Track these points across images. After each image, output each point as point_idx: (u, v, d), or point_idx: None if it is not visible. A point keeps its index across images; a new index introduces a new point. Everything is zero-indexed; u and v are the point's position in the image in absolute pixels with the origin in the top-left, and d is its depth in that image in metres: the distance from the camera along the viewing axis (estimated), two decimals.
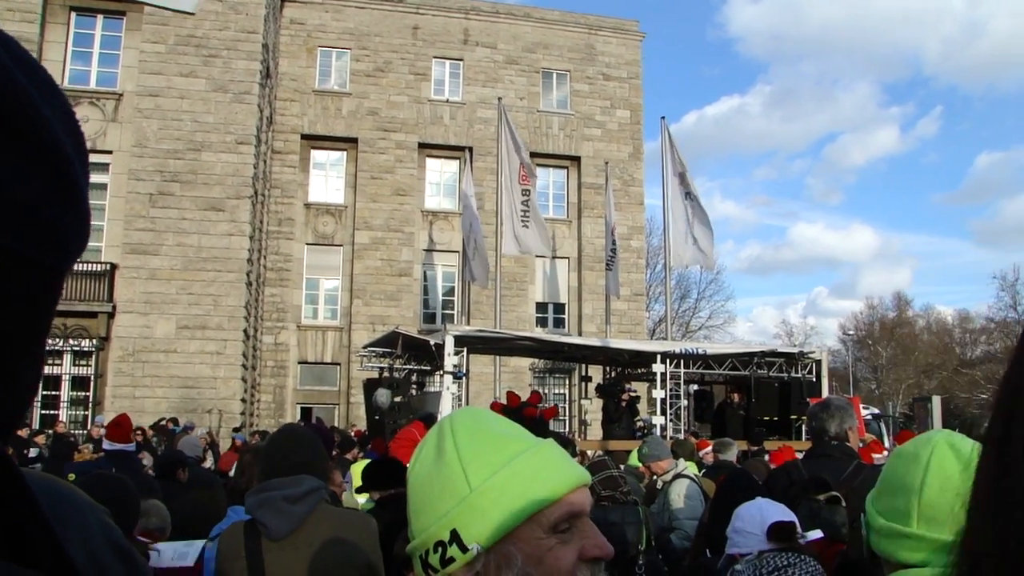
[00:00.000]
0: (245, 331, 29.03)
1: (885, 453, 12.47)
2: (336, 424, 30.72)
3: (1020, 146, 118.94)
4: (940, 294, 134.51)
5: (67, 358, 27.38)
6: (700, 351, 21.16)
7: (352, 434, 22.34)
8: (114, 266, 27.80)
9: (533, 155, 30.18)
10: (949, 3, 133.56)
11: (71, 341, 26.89)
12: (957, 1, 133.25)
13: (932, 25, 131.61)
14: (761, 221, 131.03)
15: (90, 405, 26.88)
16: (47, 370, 25.93)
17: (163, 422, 23.03)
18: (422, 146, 37.96)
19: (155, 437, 20.00)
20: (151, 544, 4.49)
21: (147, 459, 12.01)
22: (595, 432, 24.71)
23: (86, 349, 27.42)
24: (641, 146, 40.95)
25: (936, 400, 31.82)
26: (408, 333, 23.01)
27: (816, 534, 3.79)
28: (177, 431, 20.04)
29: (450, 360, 18.63)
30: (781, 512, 3.64)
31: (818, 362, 21.58)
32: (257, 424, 30.12)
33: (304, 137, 36.78)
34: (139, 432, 18.94)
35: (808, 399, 18.77)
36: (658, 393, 19.90)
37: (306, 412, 34.21)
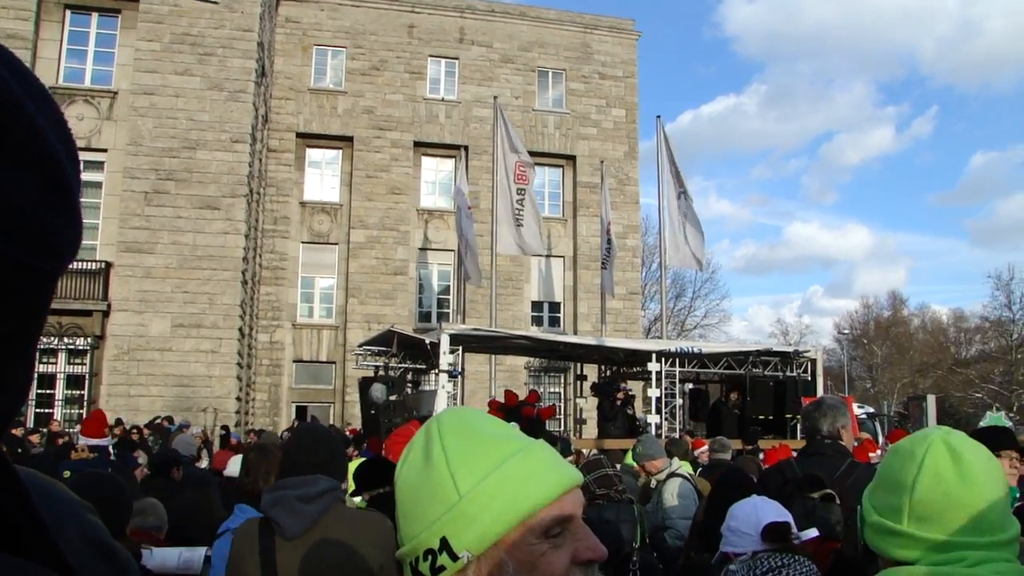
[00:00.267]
0: (240, 329, 29.00)
1: (879, 452, 12.50)
2: (332, 423, 30.76)
3: (1015, 146, 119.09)
4: (935, 293, 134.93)
5: (62, 356, 27.36)
6: (695, 350, 21.16)
7: (347, 432, 22.40)
8: (109, 264, 27.76)
9: (529, 154, 30.11)
10: (944, 2, 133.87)
11: (66, 339, 26.85)
12: (952, 1, 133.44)
13: (927, 24, 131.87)
14: (756, 220, 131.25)
15: (85, 403, 26.83)
16: (42, 368, 25.93)
17: (158, 421, 22.99)
18: (417, 145, 37.95)
19: (151, 436, 19.93)
20: (144, 544, 4.48)
21: (142, 458, 12.01)
22: (590, 431, 24.71)
23: (81, 347, 27.38)
24: (636, 145, 40.98)
25: (931, 399, 31.94)
26: (403, 332, 22.99)
27: (811, 533, 3.79)
28: (172, 429, 20.00)
29: (445, 359, 18.62)
30: (776, 512, 3.63)
31: (813, 361, 21.58)
32: (252, 423, 30.11)
33: (299, 135, 36.76)
34: (135, 431, 18.94)
35: (803, 398, 18.81)
36: (653, 392, 19.89)
37: (301, 411, 34.24)
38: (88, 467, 7.70)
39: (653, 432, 17.87)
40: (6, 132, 0.67)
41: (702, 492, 7.86)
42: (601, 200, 31.37)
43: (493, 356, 28.39)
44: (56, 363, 27.19)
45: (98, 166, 28.26)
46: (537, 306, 39.01)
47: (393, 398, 19.85)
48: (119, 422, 21.78)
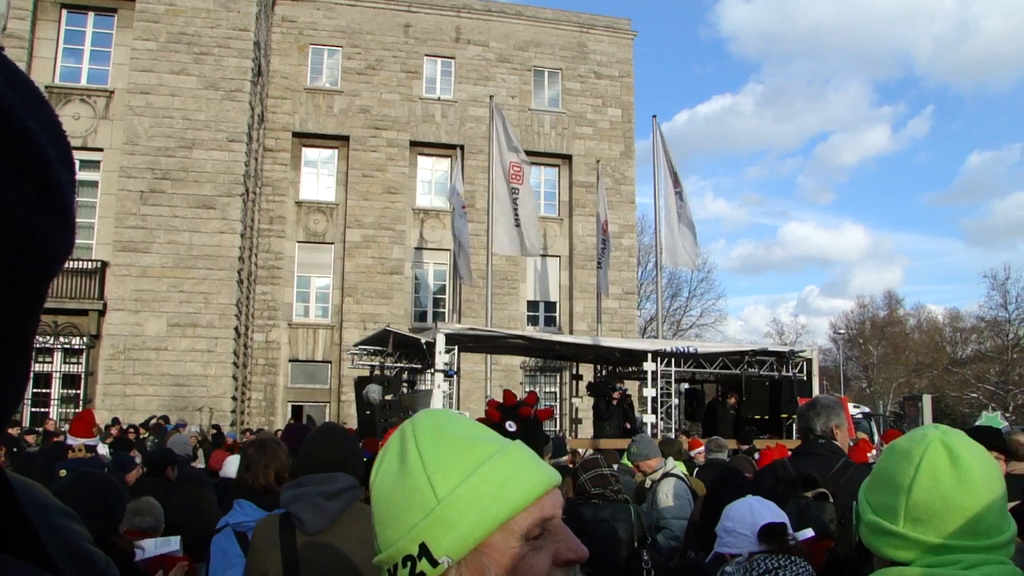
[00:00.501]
0: (236, 329, 29.00)
1: (875, 452, 12.50)
2: (329, 422, 30.69)
3: (1011, 145, 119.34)
4: (931, 293, 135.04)
5: (57, 356, 27.34)
6: (691, 350, 21.15)
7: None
8: (105, 263, 27.75)
9: (525, 153, 30.09)
10: (940, 3, 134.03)
11: (61, 339, 26.85)
12: (948, 1, 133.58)
13: (923, 25, 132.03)
14: (752, 220, 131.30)
15: (80, 403, 26.81)
16: (37, 367, 25.91)
17: (154, 420, 22.97)
18: (413, 144, 37.93)
19: (151, 437, 19.91)
20: (137, 542, 4.49)
21: (139, 458, 12.00)
22: (586, 430, 24.72)
23: (76, 347, 27.37)
24: (632, 145, 40.98)
25: (927, 399, 31.92)
26: (399, 331, 22.99)
27: (807, 534, 3.79)
28: (169, 429, 19.98)
29: (441, 358, 18.64)
30: (771, 512, 3.63)
31: (809, 361, 21.60)
32: (248, 422, 30.10)
33: (295, 135, 36.73)
34: (131, 430, 18.92)
35: (799, 398, 18.81)
36: (649, 392, 19.89)
37: (297, 410, 34.22)
38: (84, 467, 7.69)
39: (649, 432, 17.89)
40: None
41: (697, 492, 7.88)
42: (597, 200, 31.36)
43: (489, 356, 28.38)
44: (52, 362, 27.18)
45: (94, 165, 28.24)
46: (533, 306, 39.01)
47: (389, 398, 19.83)
48: (115, 421, 21.79)
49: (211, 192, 28.86)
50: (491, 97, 28.79)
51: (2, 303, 0.70)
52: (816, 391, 20.96)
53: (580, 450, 14.35)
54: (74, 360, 27.66)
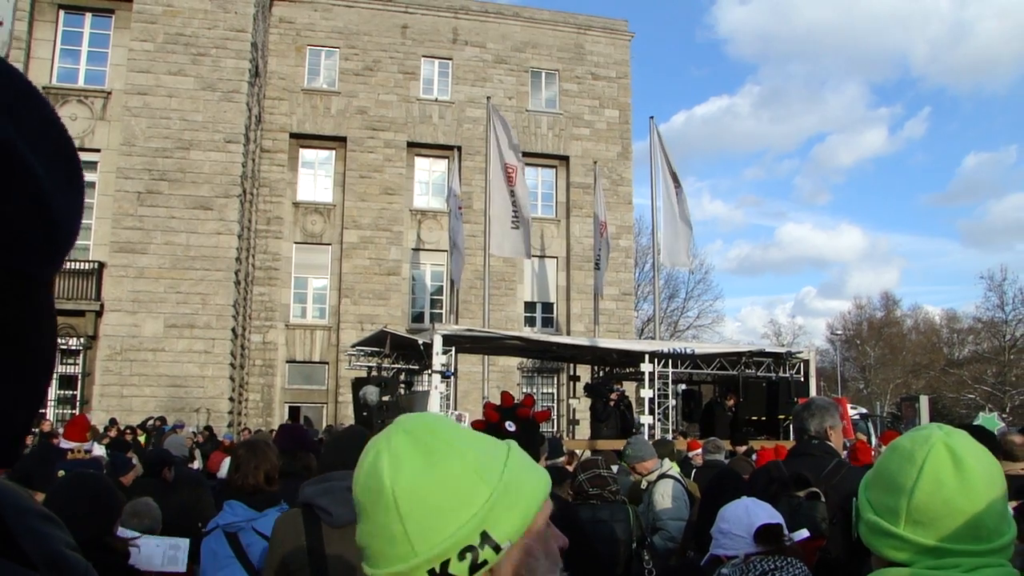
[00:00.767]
0: (233, 330, 28.99)
1: (873, 454, 12.50)
2: (327, 423, 30.71)
3: (1008, 147, 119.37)
4: (928, 294, 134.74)
5: None
6: (688, 351, 21.16)
7: None
8: (102, 264, 27.75)
9: (522, 154, 30.09)
10: (936, 4, 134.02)
11: (58, 340, 26.80)
12: (944, 2, 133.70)
13: (920, 26, 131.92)
14: (750, 221, 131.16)
15: (77, 404, 26.81)
16: None
17: (151, 421, 22.96)
18: (411, 145, 37.94)
19: (147, 437, 19.90)
20: (132, 541, 4.48)
21: (135, 459, 11.97)
22: (583, 431, 24.73)
23: (73, 348, 27.36)
24: (630, 146, 41.02)
25: (924, 400, 31.98)
26: (396, 332, 22.99)
27: (803, 534, 3.78)
28: (166, 430, 19.97)
29: (438, 359, 18.63)
30: (767, 514, 3.62)
31: (806, 362, 21.60)
32: (245, 423, 30.08)
33: (293, 136, 36.74)
34: (128, 432, 18.91)
35: (796, 399, 18.81)
36: (646, 393, 19.89)
37: (294, 411, 34.17)
38: (82, 468, 7.69)
39: (646, 433, 17.89)
40: None
41: (692, 493, 7.88)
42: (595, 201, 31.37)
43: (486, 357, 28.36)
44: None
45: (91, 166, 28.22)
46: (530, 307, 39.02)
47: (386, 399, 19.84)
48: (113, 422, 21.77)
49: (208, 193, 28.86)
50: (488, 98, 28.79)
51: None
52: (813, 392, 20.96)
53: (577, 451, 14.34)
54: (71, 361, 27.63)
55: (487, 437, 1.33)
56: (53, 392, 27.13)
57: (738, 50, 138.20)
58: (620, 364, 24.26)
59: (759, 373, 20.89)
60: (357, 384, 21.15)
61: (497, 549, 1.23)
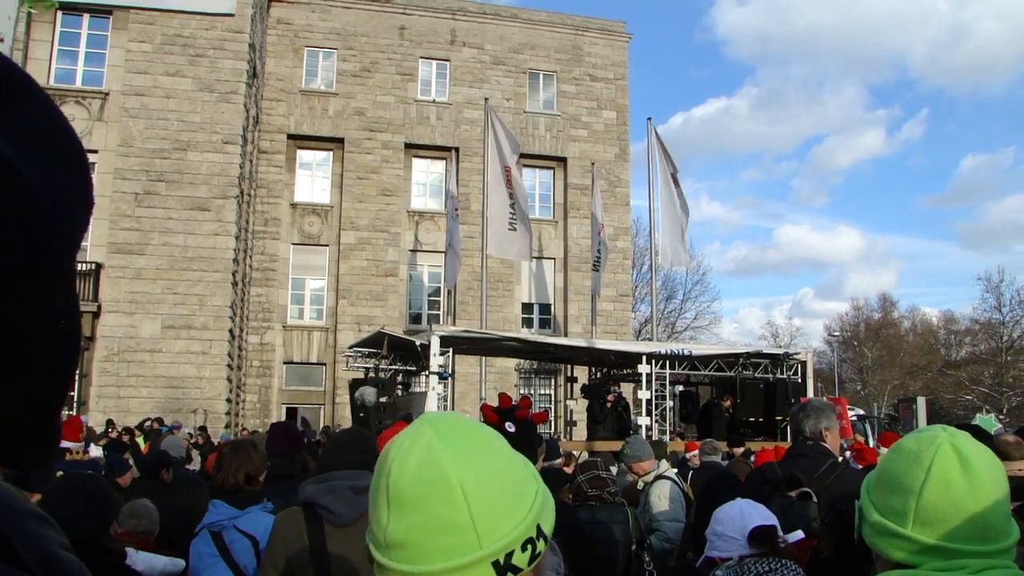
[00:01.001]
0: (230, 331, 28.97)
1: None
2: (325, 424, 30.69)
3: (1005, 148, 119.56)
4: (925, 295, 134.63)
5: None
6: (686, 352, 21.14)
7: None
8: (99, 265, 27.72)
9: (519, 156, 30.12)
10: (934, 6, 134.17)
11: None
12: (942, 4, 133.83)
13: (918, 28, 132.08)
14: (747, 222, 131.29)
15: (75, 405, 26.77)
16: None
17: (148, 422, 22.95)
18: (408, 146, 37.93)
19: (145, 438, 19.87)
20: (127, 544, 4.50)
21: (131, 461, 11.97)
22: (581, 432, 24.72)
23: None
24: (627, 147, 41.02)
25: (921, 401, 32.04)
26: (394, 333, 22.99)
27: (798, 535, 3.78)
28: (164, 431, 19.95)
29: (436, 361, 18.63)
30: (761, 515, 3.61)
31: (803, 363, 21.59)
32: (243, 424, 30.05)
33: (290, 137, 36.72)
34: (126, 433, 18.89)
35: (793, 400, 18.81)
36: (643, 394, 19.89)
37: (291, 412, 34.16)
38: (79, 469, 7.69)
39: (643, 434, 17.88)
40: None
41: (688, 495, 7.88)
42: (592, 202, 31.39)
43: (483, 358, 28.37)
44: None
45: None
46: (528, 308, 39.01)
47: (383, 400, 19.83)
48: (110, 423, 21.77)
49: (206, 194, 28.85)
50: (486, 99, 28.80)
51: None
52: (811, 393, 20.98)
53: (575, 452, 14.34)
54: None
55: None
56: None
57: (736, 51, 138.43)
58: (617, 365, 24.25)
59: (756, 374, 20.89)
60: (354, 385, 21.14)
61: (546, 541, 1.26)
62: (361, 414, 19.61)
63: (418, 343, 20.03)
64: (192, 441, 19.91)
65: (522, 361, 34.11)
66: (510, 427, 4.34)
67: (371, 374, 22.55)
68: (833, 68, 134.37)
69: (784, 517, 3.92)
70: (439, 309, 37.23)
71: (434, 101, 38.35)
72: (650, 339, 30.90)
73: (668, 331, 62.62)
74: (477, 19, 39.37)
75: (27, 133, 0.75)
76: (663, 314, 62.22)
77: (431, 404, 18.17)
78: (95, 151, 28.45)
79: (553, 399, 36.17)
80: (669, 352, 20.77)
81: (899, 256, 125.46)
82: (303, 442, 6.02)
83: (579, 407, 25.38)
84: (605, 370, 25.03)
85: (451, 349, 19.64)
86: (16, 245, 0.72)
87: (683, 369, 21.84)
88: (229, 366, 28.91)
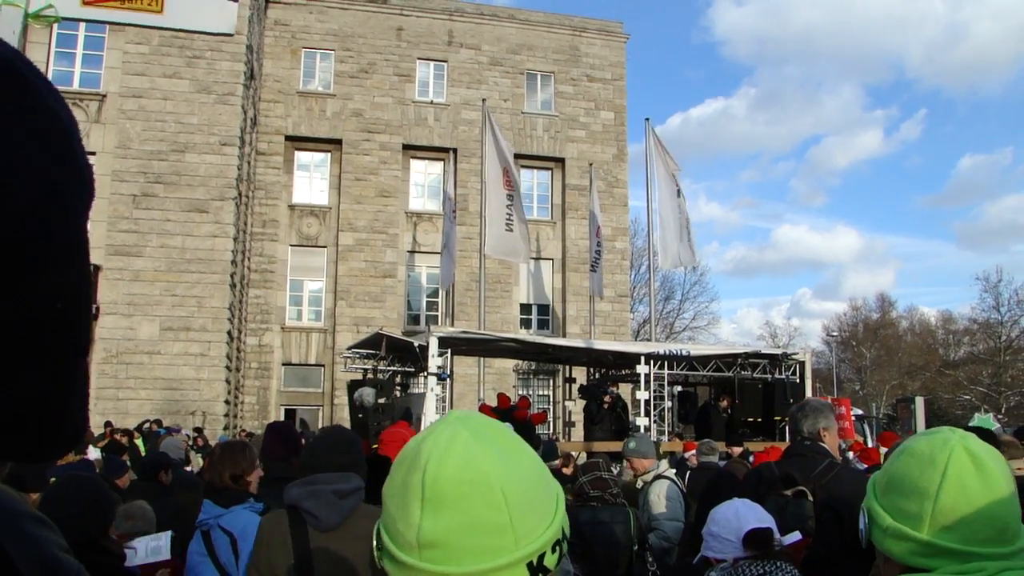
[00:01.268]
0: (229, 333, 28.95)
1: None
2: (321, 425, 30.67)
3: (1003, 148, 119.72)
4: (923, 295, 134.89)
5: None
6: (684, 352, 21.11)
7: None
8: (97, 267, 27.65)
9: (517, 156, 30.19)
10: (931, 6, 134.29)
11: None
12: (939, 4, 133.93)
13: (915, 28, 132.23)
14: (745, 223, 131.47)
15: None
16: None
17: (147, 424, 22.92)
18: (406, 147, 37.93)
19: (144, 440, 19.85)
20: (127, 544, 4.51)
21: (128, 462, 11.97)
22: (579, 433, 24.72)
23: None
24: (625, 148, 41.02)
25: (919, 401, 31.96)
26: (392, 335, 22.95)
27: (795, 537, 3.78)
28: (162, 433, 19.93)
29: (434, 362, 18.58)
30: (757, 517, 3.60)
31: (802, 363, 21.54)
32: (241, 426, 30.04)
33: (288, 138, 36.71)
34: (124, 435, 18.86)
35: (792, 400, 18.80)
36: (642, 394, 19.87)
37: (290, 413, 34.15)
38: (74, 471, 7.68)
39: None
40: None
41: (686, 495, 7.89)
42: (590, 203, 31.39)
43: (482, 359, 28.38)
44: None
45: None
46: (526, 309, 39.00)
47: (382, 401, 19.80)
48: (108, 425, 21.74)
49: (204, 196, 28.83)
50: (483, 100, 28.79)
51: None
52: (809, 393, 20.97)
53: (573, 453, 14.34)
54: None
55: None
56: None
57: (734, 52, 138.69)
58: (616, 366, 24.22)
59: (755, 375, 20.86)
60: (353, 386, 21.09)
61: (568, 542, 1.28)
62: (360, 415, 19.58)
63: (416, 344, 19.98)
64: (191, 442, 19.89)
65: (520, 362, 34.10)
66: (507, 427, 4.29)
67: (369, 375, 22.50)
68: (830, 68, 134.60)
69: (780, 516, 3.92)
70: (437, 310, 37.25)
71: (432, 102, 38.34)
72: (648, 339, 30.85)
73: (666, 331, 62.66)
74: (474, 20, 39.38)
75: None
76: (661, 314, 62.25)
77: (429, 405, 18.14)
78: (92, 153, 28.41)
79: (551, 400, 36.14)
80: (667, 352, 20.75)
81: (897, 256, 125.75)
82: (301, 444, 6.01)
83: (577, 408, 25.35)
84: (603, 371, 25.00)
85: (449, 350, 19.62)
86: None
87: (681, 369, 21.81)
88: (228, 368, 28.89)
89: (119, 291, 27.66)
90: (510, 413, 14.93)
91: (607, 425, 19.71)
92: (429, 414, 17.83)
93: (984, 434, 4.44)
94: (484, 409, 17.04)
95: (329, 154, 37.46)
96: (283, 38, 37.08)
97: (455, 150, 36.39)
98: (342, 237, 36.40)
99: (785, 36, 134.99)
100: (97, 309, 27.39)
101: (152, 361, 27.60)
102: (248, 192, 33.48)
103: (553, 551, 1.24)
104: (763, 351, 22.68)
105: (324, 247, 36.70)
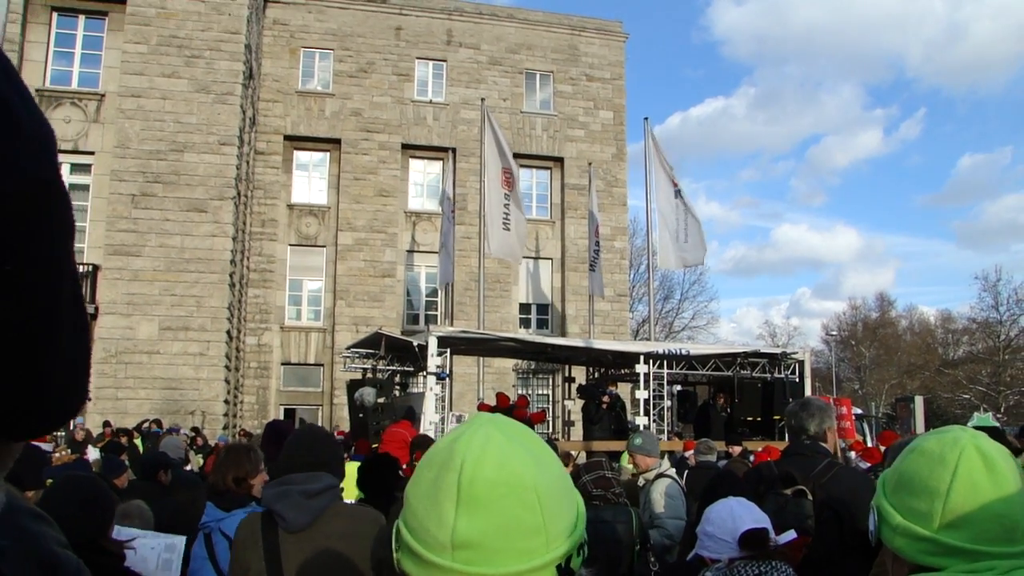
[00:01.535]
0: (228, 332, 28.94)
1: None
2: (322, 425, 30.67)
3: (1003, 148, 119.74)
4: (923, 295, 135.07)
5: None
6: (683, 352, 21.11)
7: (336, 435, 22.29)
8: (96, 267, 27.68)
9: (516, 156, 30.14)
10: (931, 5, 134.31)
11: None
12: (939, 3, 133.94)
13: (914, 27, 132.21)
14: (745, 222, 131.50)
15: None
16: None
17: (146, 424, 22.91)
18: (405, 147, 37.93)
19: (142, 439, 19.84)
20: (128, 543, 4.49)
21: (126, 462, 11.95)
22: (578, 433, 24.71)
23: None
24: (624, 147, 41.02)
25: (919, 400, 31.99)
26: (391, 334, 22.94)
27: (790, 536, 3.76)
28: (161, 432, 19.92)
29: (433, 361, 18.58)
30: (752, 517, 3.59)
31: (801, 363, 21.55)
32: (240, 426, 30.03)
33: (287, 138, 36.70)
34: (123, 435, 18.85)
35: (791, 399, 18.79)
36: (641, 394, 19.87)
37: (289, 413, 34.15)
38: (70, 471, 7.67)
39: None
40: None
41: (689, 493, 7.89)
42: (589, 202, 31.38)
43: (481, 358, 28.35)
44: None
45: (85, 169, 28.23)
46: (525, 308, 39.00)
47: (382, 400, 19.79)
48: (107, 425, 21.74)
49: (203, 195, 28.81)
50: (483, 100, 28.78)
51: None
52: (808, 393, 20.90)
53: (572, 453, 14.32)
54: None
55: None
56: None
57: (734, 51, 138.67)
58: (615, 365, 24.22)
59: (754, 374, 20.87)
60: (352, 386, 21.10)
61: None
62: (360, 415, 19.58)
63: (415, 344, 19.98)
64: (191, 442, 19.88)
65: (520, 361, 34.10)
66: None
67: (369, 375, 22.50)
68: (830, 68, 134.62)
69: (779, 515, 3.91)
70: (437, 310, 37.24)
71: (431, 101, 38.34)
72: (648, 339, 30.85)
73: (666, 331, 62.66)
74: (473, 19, 39.37)
75: None
76: (661, 314, 62.25)
77: (429, 405, 18.14)
78: (91, 152, 28.48)
79: (551, 399, 36.12)
80: (667, 352, 20.76)
81: (897, 255, 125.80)
82: None
83: (576, 407, 25.32)
84: (603, 370, 25.00)
85: (448, 349, 19.62)
86: None
87: (681, 369, 21.84)
88: (227, 367, 28.88)
89: (118, 291, 27.65)
90: (509, 412, 14.94)
91: (606, 425, 19.70)
92: (428, 413, 17.83)
93: (994, 433, 4.43)
94: (483, 408, 17.03)
95: (328, 154, 37.45)
96: (282, 37, 37.07)
97: (454, 149, 36.37)
98: (341, 237, 36.40)
99: (785, 35, 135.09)
100: (96, 309, 27.40)
101: (151, 361, 27.58)
102: (247, 192, 33.48)
103: (578, 554, 1.24)
104: (762, 350, 22.70)
105: (323, 247, 36.70)
